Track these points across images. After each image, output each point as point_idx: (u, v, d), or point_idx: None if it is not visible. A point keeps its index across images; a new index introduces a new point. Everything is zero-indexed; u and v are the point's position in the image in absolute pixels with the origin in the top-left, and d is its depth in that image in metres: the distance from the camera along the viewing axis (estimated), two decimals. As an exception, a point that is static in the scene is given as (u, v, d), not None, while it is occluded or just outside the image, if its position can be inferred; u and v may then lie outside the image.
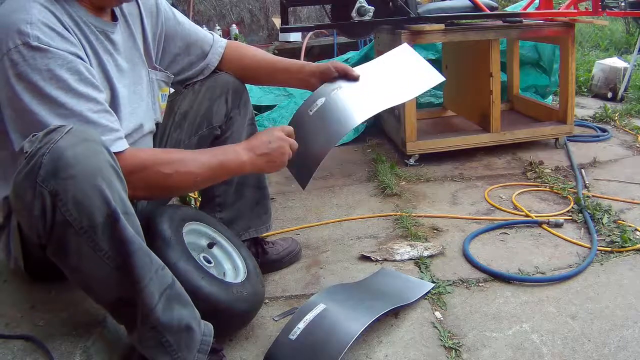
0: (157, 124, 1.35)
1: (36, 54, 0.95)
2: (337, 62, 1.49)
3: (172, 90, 1.49)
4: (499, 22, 2.53)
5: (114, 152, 0.96)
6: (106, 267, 0.92)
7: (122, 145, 1.03)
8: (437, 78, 1.52)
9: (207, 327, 1.10)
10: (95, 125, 0.99)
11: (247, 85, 1.55)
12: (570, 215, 1.91)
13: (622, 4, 3.19)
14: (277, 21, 5.40)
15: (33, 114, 0.95)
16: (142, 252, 0.95)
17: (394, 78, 1.51)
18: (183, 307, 1.04)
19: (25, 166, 0.87)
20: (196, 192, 2.06)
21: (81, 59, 1.02)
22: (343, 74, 1.45)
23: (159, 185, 1.09)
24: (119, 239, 0.91)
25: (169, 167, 1.08)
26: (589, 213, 1.88)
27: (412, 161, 2.51)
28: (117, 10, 1.20)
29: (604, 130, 2.88)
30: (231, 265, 1.37)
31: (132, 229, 0.93)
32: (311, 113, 1.40)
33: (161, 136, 1.40)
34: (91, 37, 1.09)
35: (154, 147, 1.37)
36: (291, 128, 1.28)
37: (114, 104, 1.12)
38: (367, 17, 2.27)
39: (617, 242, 1.68)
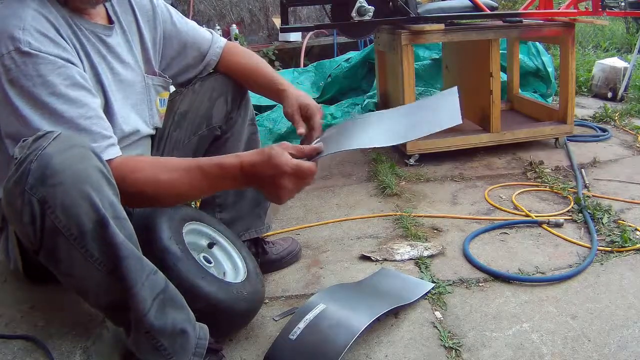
0: (156, 129, 1.35)
1: (27, 59, 0.95)
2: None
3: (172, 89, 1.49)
4: (499, 22, 2.53)
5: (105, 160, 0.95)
6: (98, 273, 0.92)
7: (113, 153, 1.02)
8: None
9: (202, 330, 1.09)
10: (86, 132, 0.98)
11: None
12: (570, 215, 1.91)
13: (622, 4, 3.19)
14: (277, 21, 5.39)
15: (25, 120, 0.95)
16: (133, 258, 0.94)
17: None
18: (177, 310, 1.03)
19: (14, 173, 0.87)
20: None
21: (73, 64, 1.02)
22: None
23: (143, 203, 1.10)
24: (109, 244, 0.90)
25: (156, 186, 1.05)
26: (589, 213, 1.88)
27: (412, 161, 2.51)
28: (112, 15, 1.20)
29: (604, 130, 2.88)
30: (231, 265, 1.37)
31: (123, 233, 0.92)
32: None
33: (160, 136, 1.40)
34: (84, 40, 1.09)
35: (153, 147, 1.37)
36: (309, 170, 1.04)
37: (107, 108, 1.12)
38: (367, 17, 2.27)
39: (617, 242, 1.68)
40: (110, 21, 1.19)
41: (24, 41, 0.95)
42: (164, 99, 1.36)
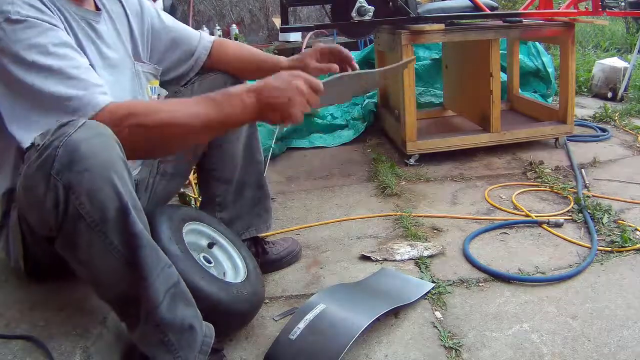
0: None
1: (16, 26, 0.96)
2: (320, 46, 1.42)
3: (166, 92, 1.49)
4: (499, 22, 2.53)
5: (99, 108, 0.95)
6: (115, 261, 0.93)
7: (106, 100, 1.00)
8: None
9: (209, 328, 1.10)
10: (77, 80, 0.98)
11: None
12: (570, 215, 1.90)
13: (622, 4, 3.19)
14: (277, 21, 5.40)
15: (19, 82, 0.96)
16: (150, 248, 0.95)
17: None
18: (187, 306, 1.04)
19: (37, 158, 0.87)
20: (196, 192, 2.07)
21: (61, 29, 1.02)
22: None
23: (146, 136, 1.00)
24: (129, 233, 0.92)
25: (154, 116, 0.99)
26: (589, 213, 1.88)
27: (412, 161, 2.51)
28: (99, 4, 1.21)
29: (604, 130, 2.88)
30: (231, 265, 1.37)
31: (141, 224, 0.94)
32: None
33: None
34: (73, 23, 1.10)
35: None
36: (318, 82, 1.06)
37: None
38: (367, 17, 2.27)
39: (617, 242, 1.68)
40: (98, 9, 1.21)
41: (13, 11, 0.97)
42: (155, 87, 1.37)
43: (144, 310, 0.98)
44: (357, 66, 1.41)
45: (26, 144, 0.94)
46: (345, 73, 1.23)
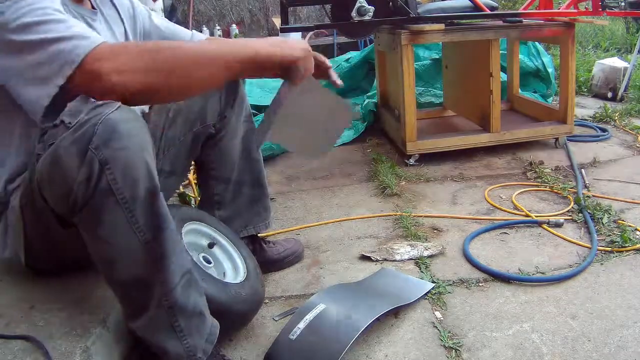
0: (142, 114, 1.36)
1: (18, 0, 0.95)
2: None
3: None
4: (499, 22, 2.53)
5: (96, 45, 0.92)
6: (136, 240, 0.94)
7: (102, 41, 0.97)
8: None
9: (214, 321, 1.12)
10: (74, 26, 0.95)
11: (247, 86, 1.54)
12: (570, 215, 1.91)
13: (622, 4, 3.19)
14: (277, 21, 5.40)
15: (25, 46, 0.93)
16: (172, 231, 0.98)
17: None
18: (198, 294, 1.07)
19: (73, 133, 0.89)
20: (196, 192, 2.07)
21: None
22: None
23: (146, 60, 0.94)
24: (154, 214, 0.94)
25: (158, 44, 1.04)
26: (589, 213, 1.88)
27: (412, 161, 2.51)
28: (95, 5, 1.23)
29: (604, 130, 2.88)
30: (231, 265, 1.37)
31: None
32: None
33: (153, 134, 1.40)
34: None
35: None
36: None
37: None
38: (367, 17, 2.27)
39: (617, 242, 1.68)
40: (94, 8, 1.23)
41: None
42: None
43: (157, 293, 0.99)
44: (333, 73, 1.35)
45: (44, 102, 0.93)
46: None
